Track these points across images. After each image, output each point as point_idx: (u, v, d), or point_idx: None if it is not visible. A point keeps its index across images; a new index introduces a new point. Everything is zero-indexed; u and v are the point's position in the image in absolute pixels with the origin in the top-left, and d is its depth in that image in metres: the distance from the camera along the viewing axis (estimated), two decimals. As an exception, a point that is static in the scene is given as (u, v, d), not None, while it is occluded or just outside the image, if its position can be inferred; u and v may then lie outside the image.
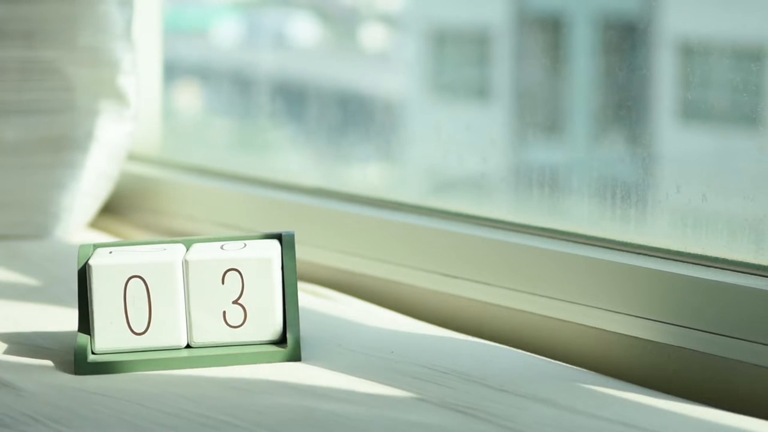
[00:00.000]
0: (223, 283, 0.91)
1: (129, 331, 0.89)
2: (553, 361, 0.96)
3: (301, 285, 1.12)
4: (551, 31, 1.45)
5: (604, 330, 0.98)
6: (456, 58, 1.65)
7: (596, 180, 1.11)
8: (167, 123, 1.59)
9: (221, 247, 0.92)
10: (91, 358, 0.88)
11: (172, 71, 1.63)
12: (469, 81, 1.52)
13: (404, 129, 1.50)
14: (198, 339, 0.91)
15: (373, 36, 1.86)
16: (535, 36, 1.54)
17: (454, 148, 1.28)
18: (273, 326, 0.91)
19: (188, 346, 0.91)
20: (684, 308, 0.93)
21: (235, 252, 0.91)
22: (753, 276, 0.91)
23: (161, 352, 0.90)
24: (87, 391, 0.84)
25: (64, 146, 1.32)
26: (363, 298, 1.18)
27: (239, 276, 0.91)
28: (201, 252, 0.92)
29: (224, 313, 0.91)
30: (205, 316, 0.91)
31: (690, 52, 1.12)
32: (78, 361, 0.88)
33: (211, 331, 0.91)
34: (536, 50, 1.43)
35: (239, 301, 0.91)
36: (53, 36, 1.31)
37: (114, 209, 1.47)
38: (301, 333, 0.93)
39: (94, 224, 1.46)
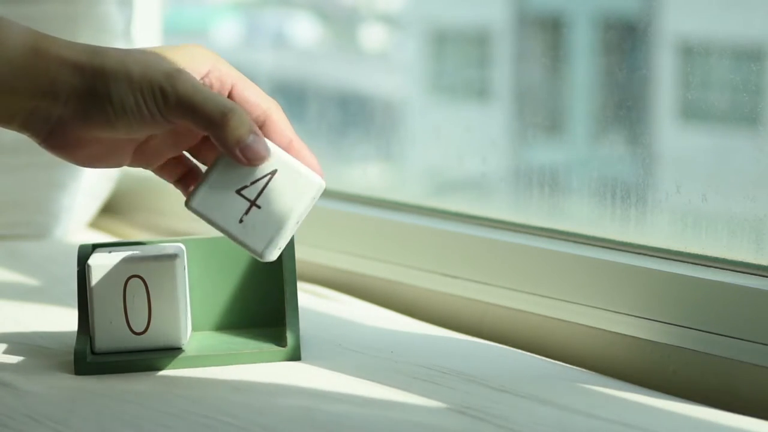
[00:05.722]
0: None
1: (129, 331, 0.89)
2: (553, 361, 0.96)
3: (301, 285, 1.12)
4: (551, 31, 1.45)
5: (604, 330, 0.98)
6: (456, 58, 1.65)
7: (596, 180, 1.11)
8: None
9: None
10: (90, 358, 0.88)
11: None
12: (469, 81, 1.52)
13: (404, 129, 1.50)
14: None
15: (373, 36, 1.86)
16: (535, 36, 1.54)
17: (454, 148, 1.28)
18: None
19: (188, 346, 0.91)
20: (684, 308, 0.92)
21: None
22: (753, 276, 0.91)
23: (161, 352, 0.90)
24: (87, 391, 0.84)
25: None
26: (363, 298, 1.18)
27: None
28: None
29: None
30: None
31: (690, 52, 1.12)
32: (78, 361, 0.88)
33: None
34: (536, 50, 1.42)
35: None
36: (53, 36, 1.31)
37: (114, 209, 1.47)
38: (301, 333, 0.93)
39: (94, 224, 1.46)
